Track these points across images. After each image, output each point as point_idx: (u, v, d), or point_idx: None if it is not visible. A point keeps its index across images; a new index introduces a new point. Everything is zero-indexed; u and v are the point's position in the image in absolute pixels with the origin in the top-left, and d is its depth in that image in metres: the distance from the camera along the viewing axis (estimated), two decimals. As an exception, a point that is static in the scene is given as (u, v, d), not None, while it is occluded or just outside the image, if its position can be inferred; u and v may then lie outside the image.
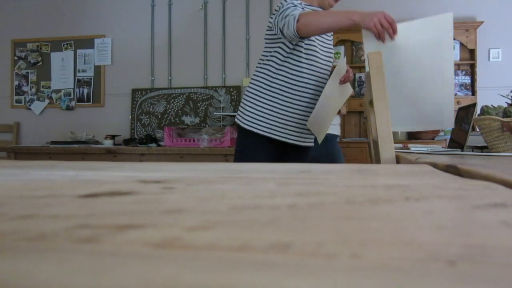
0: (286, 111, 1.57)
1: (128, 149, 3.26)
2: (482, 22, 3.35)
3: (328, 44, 1.68)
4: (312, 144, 1.72)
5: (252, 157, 1.58)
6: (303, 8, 1.49)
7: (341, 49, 3.60)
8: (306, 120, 1.60)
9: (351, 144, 3.41)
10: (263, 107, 1.58)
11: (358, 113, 3.68)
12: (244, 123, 1.60)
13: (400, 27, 1.28)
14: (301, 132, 1.62)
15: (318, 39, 1.60)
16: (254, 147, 1.59)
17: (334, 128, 2.68)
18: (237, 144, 1.67)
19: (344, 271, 0.13)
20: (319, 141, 1.70)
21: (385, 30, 1.26)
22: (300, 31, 1.41)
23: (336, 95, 1.65)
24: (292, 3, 1.48)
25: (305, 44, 1.55)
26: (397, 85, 1.32)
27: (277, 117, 1.57)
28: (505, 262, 0.13)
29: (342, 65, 1.61)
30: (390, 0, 3.57)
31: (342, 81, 1.61)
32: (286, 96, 1.57)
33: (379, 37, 1.27)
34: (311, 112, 1.59)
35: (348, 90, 1.74)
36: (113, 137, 3.69)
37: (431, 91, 1.35)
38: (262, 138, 1.58)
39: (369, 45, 1.29)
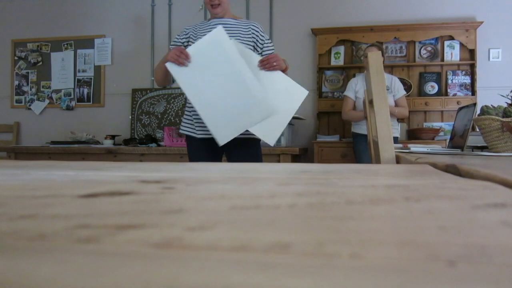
0: (191, 107, 1.75)
1: (128, 149, 3.26)
2: (482, 22, 3.35)
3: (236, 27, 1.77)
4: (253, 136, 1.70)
5: (190, 156, 1.84)
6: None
7: (341, 49, 3.60)
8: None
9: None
10: (186, 110, 1.85)
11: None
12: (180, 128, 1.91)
13: (190, 50, 1.61)
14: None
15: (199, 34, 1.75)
16: (189, 148, 1.84)
17: (394, 132, 2.68)
18: None
19: (344, 271, 0.13)
20: (271, 143, 1.62)
21: (179, 57, 1.61)
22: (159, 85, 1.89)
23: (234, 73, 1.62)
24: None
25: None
26: (209, 97, 1.60)
27: (188, 115, 1.82)
28: (505, 262, 0.13)
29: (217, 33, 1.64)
30: (391, 2, 3.56)
31: (260, 66, 1.67)
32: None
33: (178, 63, 1.61)
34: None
35: (281, 77, 1.66)
36: (113, 137, 3.68)
37: (238, 97, 1.62)
38: (189, 139, 1.82)
39: (176, 70, 1.61)
